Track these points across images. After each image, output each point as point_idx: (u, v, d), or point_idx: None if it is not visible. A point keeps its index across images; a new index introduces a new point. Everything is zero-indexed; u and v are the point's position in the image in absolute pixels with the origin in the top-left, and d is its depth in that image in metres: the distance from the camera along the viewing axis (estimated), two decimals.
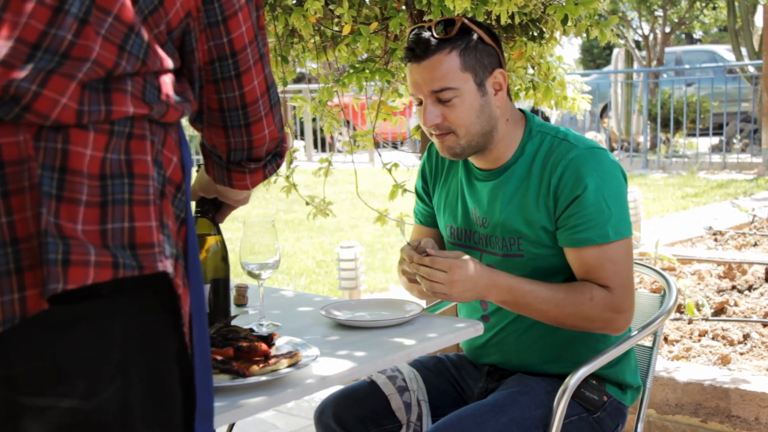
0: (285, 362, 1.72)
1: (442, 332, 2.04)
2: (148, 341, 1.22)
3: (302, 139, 16.05)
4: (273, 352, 1.80)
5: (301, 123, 15.35)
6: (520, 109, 2.33)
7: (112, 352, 1.18)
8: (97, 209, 1.14)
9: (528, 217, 2.21)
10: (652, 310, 2.45)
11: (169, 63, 1.27)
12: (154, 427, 1.25)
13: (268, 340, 1.82)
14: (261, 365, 1.70)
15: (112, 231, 1.15)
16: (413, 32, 2.21)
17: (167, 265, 1.19)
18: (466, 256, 2.10)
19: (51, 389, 1.15)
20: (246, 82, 1.40)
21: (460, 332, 2.05)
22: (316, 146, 15.58)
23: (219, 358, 1.71)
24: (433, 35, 2.16)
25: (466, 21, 2.17)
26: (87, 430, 1.19)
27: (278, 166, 1.58)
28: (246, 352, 1.75)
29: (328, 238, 8.18)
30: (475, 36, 2.18)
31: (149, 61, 1.22)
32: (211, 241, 2.10)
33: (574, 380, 2.12)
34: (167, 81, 1.26)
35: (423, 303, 2.22)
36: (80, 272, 1.11)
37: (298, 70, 4.00)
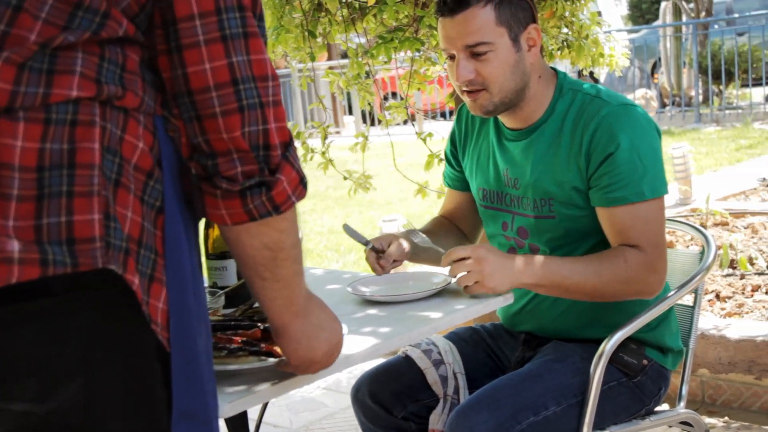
0: None
1: (470, 303, 1.99)
2: (117, 338, 1.18)
3: (351, 114, 16.03)
4: None
5: (349, 98, 15.32)
6: (552, 67, 2.27)
7: (68, 350, 1.13)
8: (32, 203, 1.09)
9: (558, 177, 2.15)
10: (692, 268, 2.38)
11: (138, 34, 1.19)
12: (135, 426, 1.21)
13: None
14: None
15: (48, 226, 1.10)
16: None
17: (110, 261, 1.13)
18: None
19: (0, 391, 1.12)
20: (190, 61, 1.18)
21: (488, 302, 2.01)
22: (364, 120, 15.54)
23: (245, 340, 1.70)
24: None
25: None
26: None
27: (270, 203, 1.26)
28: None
29: (377, 212, 8.14)
30: None
31: (103, 31, 1.15)
32: None
33: (610, 345, 2.06)
34: (135, 59, 1.20)
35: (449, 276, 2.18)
36: (2, 271, 1.07)
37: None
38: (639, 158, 2.07)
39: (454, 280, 2.07)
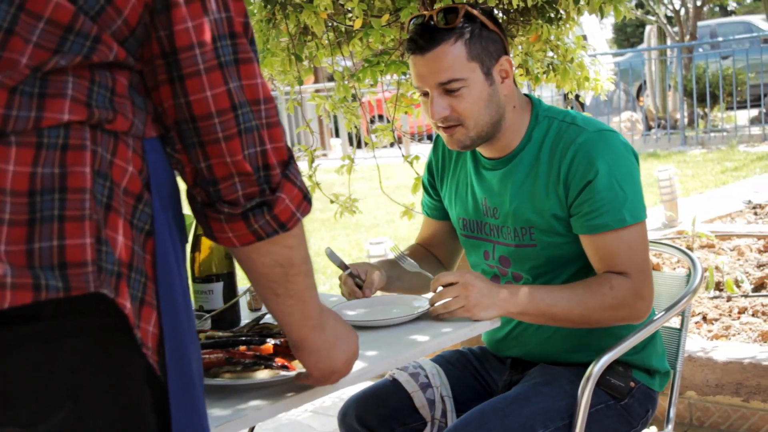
0: None
1: (457, 326, 1.99)
2: (107, 362, 1.16)
3: (338, 136, 16.05)
4: None
5: (336, 120, 15.34)
6: (526, 94, 2.27)
7: (58, 376, 1.12)
8: (24, 228, 1.08)
9: (538, 206, 2.15)
10: (679, 290, 2.39)
11: (128, 59, 1.19)
12: None
13: None
14: None
15: (39, 250, 1.09)
16: (413, 22, 2.16)
17: (102, 285, 1.12)
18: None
19: None
20: (192, 90, 1.20)
21: (475, 326, 2.00)
22: (351, 143, 15.55)
23: (258, 354, 1.73)
24: (436, 25, 2.10)
25: (469, 8, 2.11)
26: None
27: (275, 221, 1.28)
28: (285, 347, 1.76)
29: (364, 234, 8.15)
30: (479, 23, 2.12)
31: (94, 55, 1.14)
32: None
33: (597, 368, 2.06)
34: (124, 82, 1.20)
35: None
36: None
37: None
38: (618, 184, 2.07)
39: (433, 306, 2.06)
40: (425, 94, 2.16)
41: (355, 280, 2.20)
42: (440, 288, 2.04)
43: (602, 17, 3.12)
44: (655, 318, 2.18)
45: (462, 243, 2.40)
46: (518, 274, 2.23)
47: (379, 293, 2.26)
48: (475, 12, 2.11)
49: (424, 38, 2.10)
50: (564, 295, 2.07)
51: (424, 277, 2.18)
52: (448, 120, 2.13)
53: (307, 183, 3.68)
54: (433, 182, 2.46)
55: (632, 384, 2.18)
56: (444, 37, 2.08)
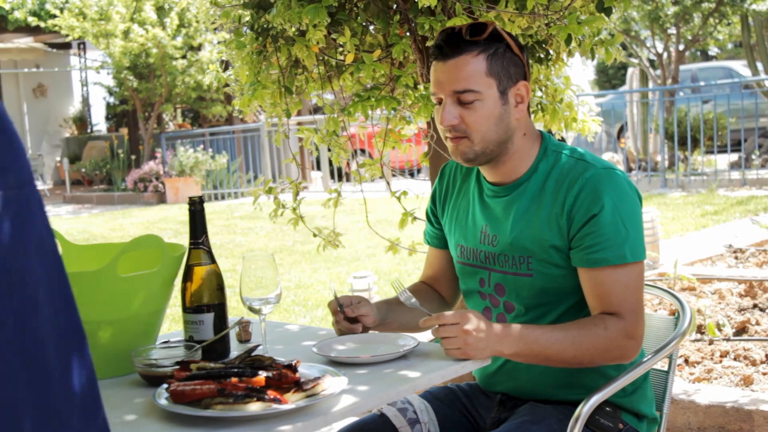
0: (322, 385, 1.75)
1: (447, 363, 1.99)
2: None
3: (319, 169, 16.06)
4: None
5: (318, 153, 15.36)
6: (539, 130, 2.29)
7: None
8: None
9: (538, 235, 2.17)
10: (666, 333, 2.39)
11: None
12: None
13: (293, 367, 1.81)
14: (293, 391, 1.73)
15: None
16: (443, 32, 2.18)
17: None
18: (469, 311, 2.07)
19: None
20: None
21: (466, 363, 2.00)
22: (332, 176, 15.57)
23: (251, 387, 1.72)
24: (463, 36, 2.14)
25: (498, 27, 2.15)
26: None
27: None
28: (277, 380, 1.76)
29: (345, 268, 8.13)
30: (504, 43, 2.16)
31: None
32: (205, 270, 2.09)
33: (586, 408, 2.06)
34: None
35: (416, 336, 2.17)
36: None
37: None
38: (622, 221, 2.09)
39: (429, 340, 2.06)
40: (440, 102, 2.19)
41: (341, 311, 2.22)
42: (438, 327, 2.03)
43: (593, 59, 3.15)
44: (644, 360, 2.18)
45: (458, 271, 2.40)
46: (510, 304, 2.24)
47: (371, 331, 2.26)
48: (503, 33, 2.15)
49: (449, 45, 2.14)
50: (558, 336, 2.07)
51: (421, 315, 2.17)
52: (456, 130, 2.16)
53: (291, 215, 3.67)
54: (435, 210, 2.49)
55: (621, 425, 2.18)
56: (468, 47, 2.13)
